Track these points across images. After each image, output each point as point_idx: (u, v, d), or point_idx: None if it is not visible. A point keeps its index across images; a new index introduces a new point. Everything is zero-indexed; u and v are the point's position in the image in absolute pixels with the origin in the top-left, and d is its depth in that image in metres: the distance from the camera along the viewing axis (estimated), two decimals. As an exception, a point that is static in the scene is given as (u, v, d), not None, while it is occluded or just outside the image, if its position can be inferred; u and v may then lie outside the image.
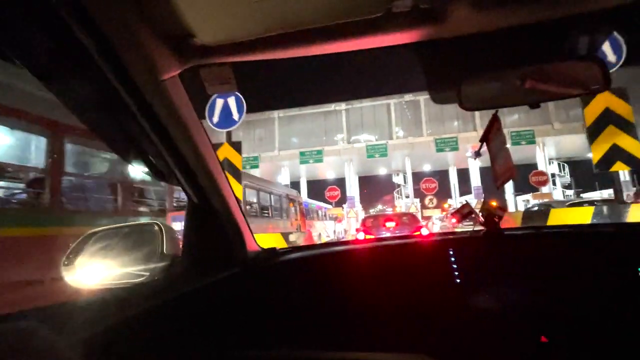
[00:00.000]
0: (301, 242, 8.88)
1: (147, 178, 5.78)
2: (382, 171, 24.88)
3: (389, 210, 23.24)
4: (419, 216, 15.39)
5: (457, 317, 0.90)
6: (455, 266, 0.95)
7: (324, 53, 0.69)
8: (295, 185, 23.22)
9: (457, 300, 0.92)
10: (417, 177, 20.83)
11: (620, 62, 3.77)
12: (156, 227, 0.94)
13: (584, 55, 0.73)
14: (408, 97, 19.09)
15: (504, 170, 0.87)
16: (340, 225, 19.89)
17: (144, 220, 5.55)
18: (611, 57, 3.79)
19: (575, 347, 0.83)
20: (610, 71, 0.77)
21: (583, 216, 6.08)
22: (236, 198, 1.00)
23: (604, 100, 4.03)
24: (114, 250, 0.92)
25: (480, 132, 0.99)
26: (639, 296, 0.84)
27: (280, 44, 0.65)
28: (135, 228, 1.03)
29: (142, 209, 6.39)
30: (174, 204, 7.08)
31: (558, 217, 7.15)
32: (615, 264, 0.89)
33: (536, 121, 16.68)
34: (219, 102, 4.74)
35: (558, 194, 17.42)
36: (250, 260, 1.02)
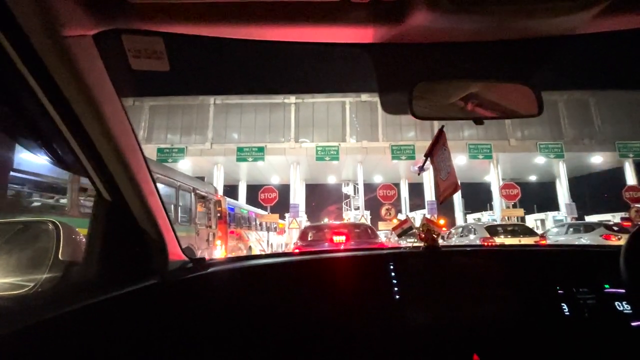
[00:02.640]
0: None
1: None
2: (331, 179, 25.43)
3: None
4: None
5: (393, 333, 1.00)
6: (395, 281, 1.07)
7: (275, 40, 0.72)
8: (233, 189, 22.51)
9: (394, 317, 1.03)
10: (368, 188, 21.72)
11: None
12: (50, 226, 0.89)
13: (524, 80, 0.89)
14: (365, 97, 19.86)
15: (448, 185, 1.00)
16: (279, 238, 19.59)
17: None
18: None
19: None
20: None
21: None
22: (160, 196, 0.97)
23: None
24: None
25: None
26: (561, 313, 1.03)
27: (225, 18, 0.65)
28: (19, 226, 0.95)
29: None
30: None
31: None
32: (541, 282, 1.08)
33: (493, 136, 18.54)
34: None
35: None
36: (172, 271, 1.01)
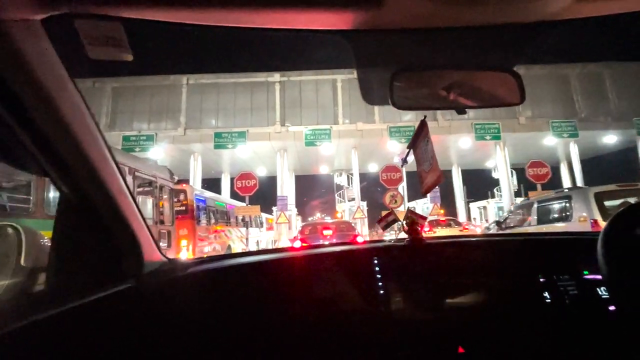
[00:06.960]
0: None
1: None
2: (323, 170, 25.47)
3: (327, 219, 24.52)
4: (366, 222, 16.10)
5: (378, 328, 1.09)
6: (379, 276, 1.15)
7: (247, 26, 0.76)
8: (215, 182, 22.29)
9: (378, 311, 1.12)
10: (363, 178, 21.86)
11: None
12: (10, 230, 0.92)
13: (505, 67, 0.95)
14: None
15: (431, 177, 1.08)
16: (267, 235, 19.41)
17: None
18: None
19: (489, 357, 1.08)
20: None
21: None
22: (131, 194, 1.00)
23: None
24: None
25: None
26: (542, 301, 1.14)
27: (192, 3, 0.66)
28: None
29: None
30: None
31: None
32: (523, 271, 1.19)
33: (501, 114, 18.62)
34: None
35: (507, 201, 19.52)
36: (148, 274, 1.05)
